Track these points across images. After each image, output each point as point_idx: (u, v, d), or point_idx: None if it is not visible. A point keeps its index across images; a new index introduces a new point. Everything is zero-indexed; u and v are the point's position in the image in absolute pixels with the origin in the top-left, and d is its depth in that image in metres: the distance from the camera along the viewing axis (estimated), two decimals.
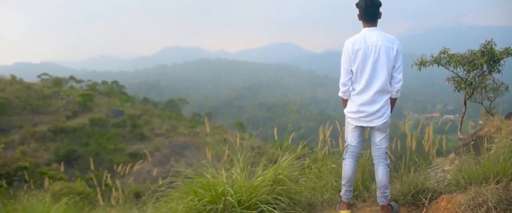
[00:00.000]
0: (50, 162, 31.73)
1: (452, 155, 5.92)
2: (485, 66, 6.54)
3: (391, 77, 3.51)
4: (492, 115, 6.85)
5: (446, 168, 5.13)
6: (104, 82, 61.78)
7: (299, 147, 5.06)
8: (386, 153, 3.72)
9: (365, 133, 4.01)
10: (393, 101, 3.66)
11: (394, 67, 3.48)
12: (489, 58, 6.36)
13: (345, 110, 3.73)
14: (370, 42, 3.43)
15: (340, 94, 3.67)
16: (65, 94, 43.06)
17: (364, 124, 3.62)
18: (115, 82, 62.70)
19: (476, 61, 6.38)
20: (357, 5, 3.54)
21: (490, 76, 6.58)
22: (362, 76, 3.48)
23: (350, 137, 3.80)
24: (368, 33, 3.48)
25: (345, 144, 3.85)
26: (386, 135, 3.73)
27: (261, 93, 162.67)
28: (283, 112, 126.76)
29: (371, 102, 3.51)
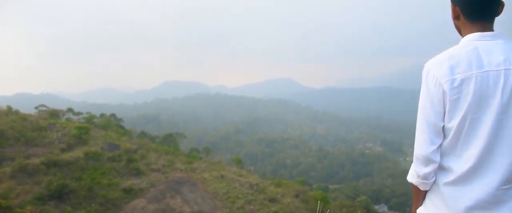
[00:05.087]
0: (41, 196, 30.71)
1: None
2: None
3: None
4: None
5: None
6: (102, 115, 61.29)
7: None
8: None
9: None
10: None
11: None
12: None
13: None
14: (491, 64, 1.66)
15: (412, 179, 1.94)
16: (61, 126, 42.37)
17: None
18: (113, 115, 62.17)
19: None
20: None
21: None
22: (471, 141, 1.68)
23: None
24: (484, 45, 1.71)
25: None
26: None
27: (260, 128, 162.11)
28: (282, 148, 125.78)
29: (493, 202, 1.65)
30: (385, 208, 67.82)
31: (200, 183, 38.81)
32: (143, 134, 58.53)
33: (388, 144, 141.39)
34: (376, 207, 65.11)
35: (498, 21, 1.80)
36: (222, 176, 40.12)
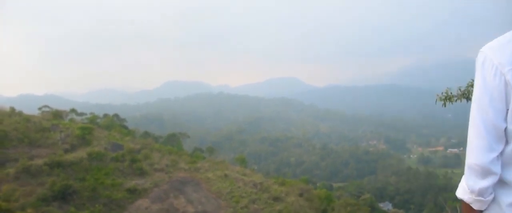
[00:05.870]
0: (44, 197, 30.66)
1: None
2: None
3: None
4: None
5: None
6: (105, 115, 61.26)
7: None
8: None
9: None
10: None
11: None
12: None
13: None
14: None
15: (463, 195, 1.48)
16: (64, 127, 42.33)
17: None
18: (116, 115, 62.13)
19: None
20: None
21: None
22: None
23: None
24: None
25: None
26: None
27: (263, 127, 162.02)
28: (286, 146, 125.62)
29: None
30: (389, 206, 67.48)
31: (203, 183, 38.69)
32: (146, 134, 58.47)
33: (391, 142, 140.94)
34: (381, 205, 64.82)
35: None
36: (225, 175, 39.98)
